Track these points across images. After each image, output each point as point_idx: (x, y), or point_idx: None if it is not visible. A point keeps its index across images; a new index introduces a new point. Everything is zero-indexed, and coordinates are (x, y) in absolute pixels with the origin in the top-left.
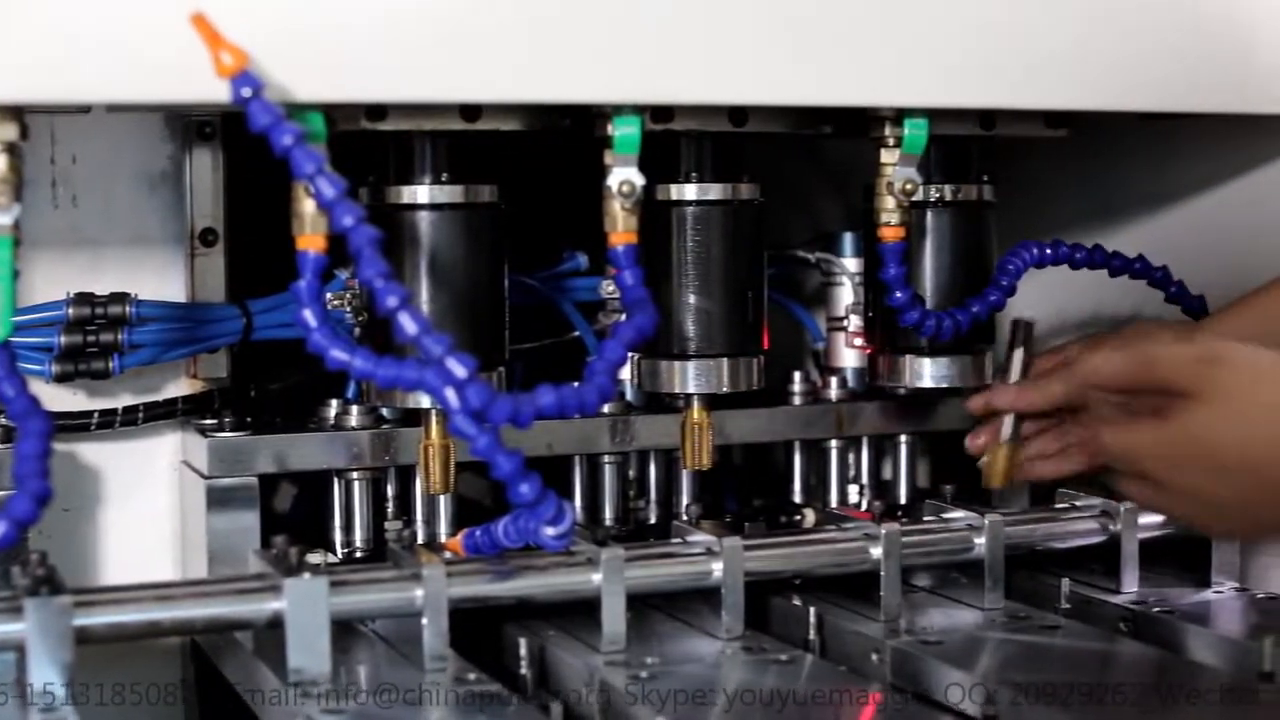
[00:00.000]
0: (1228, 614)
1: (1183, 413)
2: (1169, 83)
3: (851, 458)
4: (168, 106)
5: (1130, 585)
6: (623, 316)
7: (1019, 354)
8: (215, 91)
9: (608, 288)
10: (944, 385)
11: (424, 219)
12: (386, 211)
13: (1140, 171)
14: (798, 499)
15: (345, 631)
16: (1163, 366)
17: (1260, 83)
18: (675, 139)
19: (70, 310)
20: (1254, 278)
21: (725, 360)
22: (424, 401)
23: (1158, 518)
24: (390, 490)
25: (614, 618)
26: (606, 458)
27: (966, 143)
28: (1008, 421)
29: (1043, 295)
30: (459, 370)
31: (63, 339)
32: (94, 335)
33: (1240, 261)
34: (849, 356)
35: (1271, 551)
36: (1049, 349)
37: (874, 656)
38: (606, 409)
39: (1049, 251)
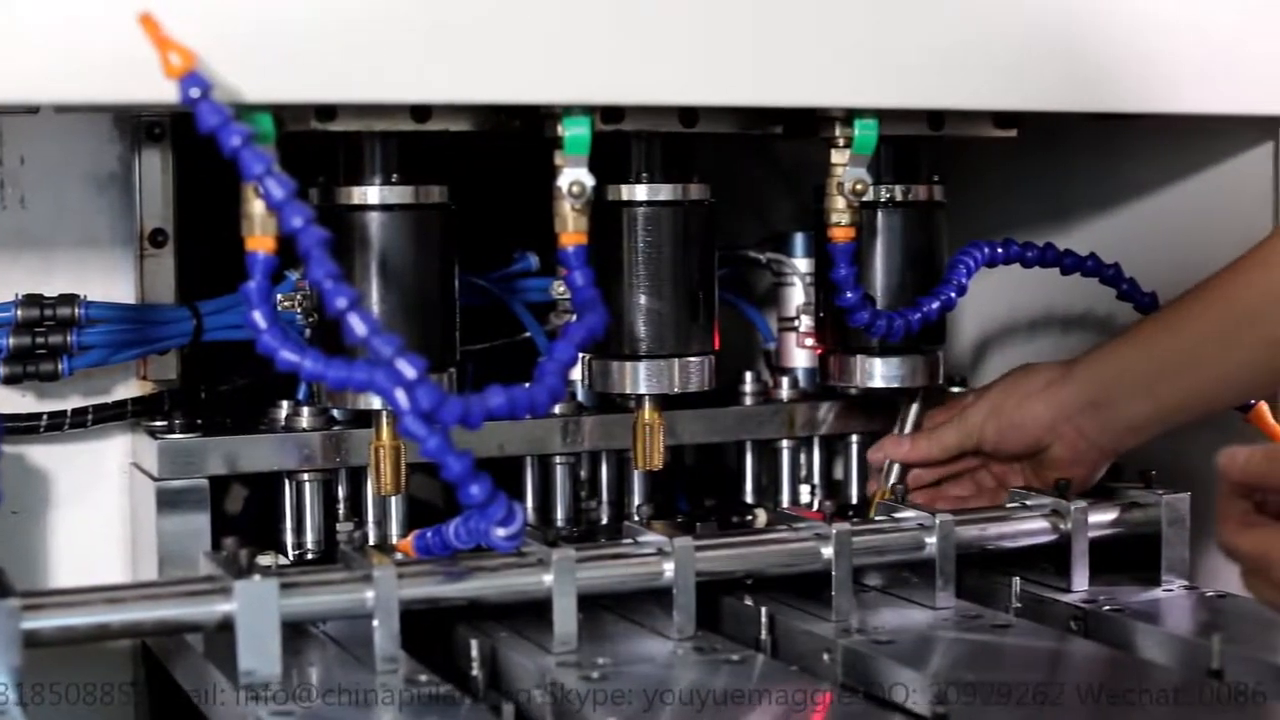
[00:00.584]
0: (1178, 612)
1: None
2: (1116, 84)
3: (803, 458)
4: (116, 107)
5: (1081, 584)
6: (574, 317)
7: (914, 408)
8: (163, 92)
9: (559, 288)
10: (895, 385)
11: (374, 220)
12: (336, 212)
13: (1090, 172)
14: (749, 499)
15: (296, 633)
16: None
17: (1207, 85)
18: (625, 140)
19: (19, 312)
20: (1198, 277)
21: (676, 361)
22: (375, 403)
23: (1108, 515)
24: (341, 491)
25: (565, 618)
26: (558, 458)
27: (916, 143)
28: (894, 470)
29: (994, 294)
30: (409, 371)
31: (11, 341)
32: (43, 337)
33: (1189, 260)
34: (800, 356)
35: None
36: (946, 402)
37: (826, 656)
38: (558, 410)
39: (1000, 250)
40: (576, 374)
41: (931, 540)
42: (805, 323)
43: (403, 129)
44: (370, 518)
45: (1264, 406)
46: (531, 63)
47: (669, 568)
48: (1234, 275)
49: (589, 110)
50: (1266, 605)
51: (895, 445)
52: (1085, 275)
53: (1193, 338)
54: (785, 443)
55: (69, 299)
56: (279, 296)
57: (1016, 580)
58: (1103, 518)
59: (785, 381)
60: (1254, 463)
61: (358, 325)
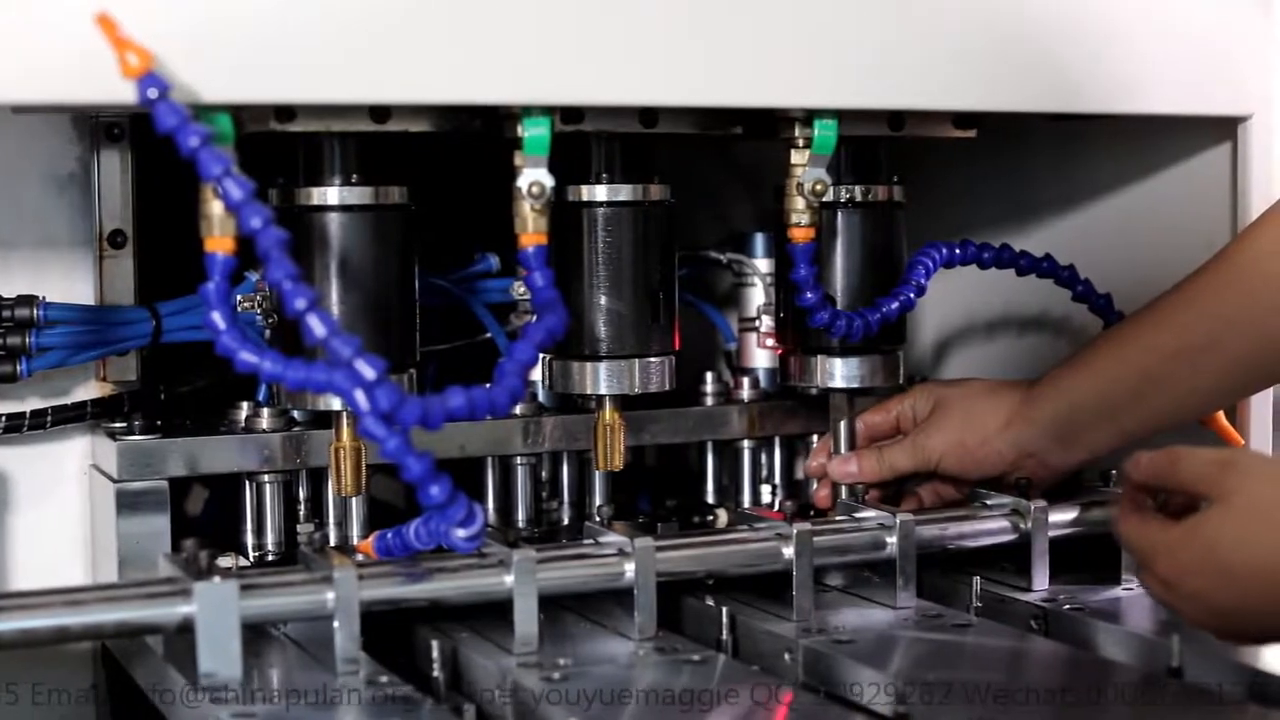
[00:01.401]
0: (1138, 611)
1: (1195, 516)
2: (1075, 84)
3: (764, 458)
4: (74, 107)
5: (1041, 583)
6: (534, 318)
7: (844, 425)
8: (121, 92)
9: (519, 289)
10: (855, 385)
11: (333, 220)
12: (296, 213)
13: (1049, 172)
14: (710, 499)
15: (257, 635)
16: (1183, 468)
17: (1166, 85)
18: (585, 140)
19: None
20: (1158, 276)
21: (637, 361)
22: (334, 404)
23: (1068, 515)
24: (302, 493)
25: (526, 619)
26: (519, 459)
27: (876, 143)
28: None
29: (953, 295)
30: (368, 372)
31: None
32: (1, 338)
33: (1149, 260)
34: (761, 357)
35: None
36: (876, 404)
37: (786, 656)
38: (519, 410)
39: (958, 251)
40: (537, 375)
41: (892, 540)
42: (766, 323)
43: (362, 129)
44: (331, 519)
45: (1220, 414)
46: (491, 63)
47: (630, 568)
48: (1186, 299)
49: (548, 111)
50: (1151, 597)
51: (842, 464)
52: (1041, 276)
53: (1150, 363)
54: (746, 443)
55: (27, 300)
56: (238, 297)
57: (977, 580)
58: (1063, 517)
59: (746, 382)
60: (1156, 464)
61: (317, 326)
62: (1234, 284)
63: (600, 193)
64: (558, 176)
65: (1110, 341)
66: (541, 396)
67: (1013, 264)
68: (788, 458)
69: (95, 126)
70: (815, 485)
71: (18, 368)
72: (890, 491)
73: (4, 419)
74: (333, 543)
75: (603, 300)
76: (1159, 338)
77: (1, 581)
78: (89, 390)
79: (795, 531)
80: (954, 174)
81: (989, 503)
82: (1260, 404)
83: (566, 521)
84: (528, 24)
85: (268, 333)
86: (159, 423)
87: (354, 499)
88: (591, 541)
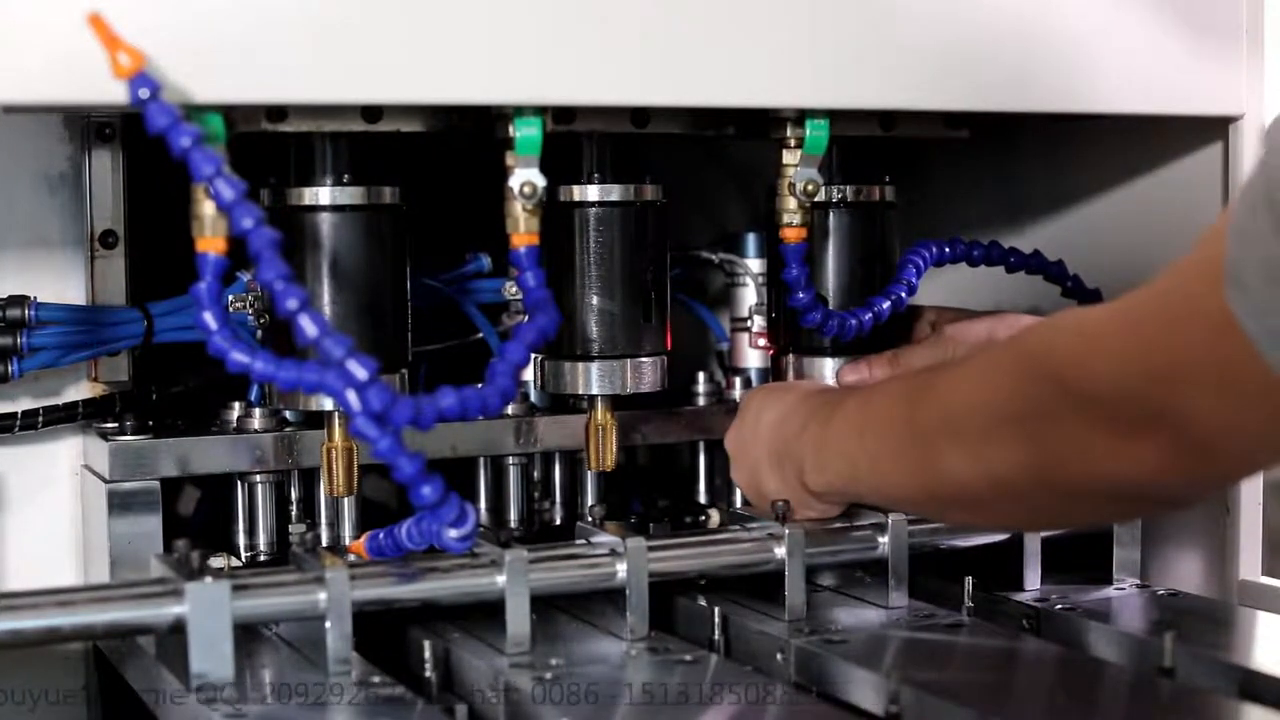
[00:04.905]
0: (1129, 610)
1: None
2: (1066, 84)
3: None
4: (65, 108)
5: (1033, 583)
6: (525, 318)
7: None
8: (113, 93)
9: (511, 289)
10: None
11: (325, 220)
12: (287, 213)
13: (1041, 172)
14: (702, 499)
15: (249, 635)
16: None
17: (1157, 85)
18: (577, 140)
19: None
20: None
21: (629, 361)
22: (326, 404)
23: None
24: (294, 493)
25: (518, 619)
26: (511, 459)
27: (868, 144)
28: None
29: (945, 294)
30: (360, 372)
31: None
32: None
33: (1140, 260)
34: (753, 357)
35: (1172, 548)
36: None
37: (778, 656)
38: (511, 410)
39: (948, 250)
40: (529, 375)
41: (884, 540)
42: (758, 323)
43: (354, 129)
44: (323, 519)
45: None
46: (483, 63)
47: (622, 568)
48: None
49: (540, 111)
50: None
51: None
52: (1030, 272)
53: None
54: None
55: (19, 300)
56: (230, 298)
57: (969, 579)
58: None
59: (738, 381)
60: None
61: (308, 326)
62: None
63: (592, 193)
64: (549, 176)
65: None
66: (533, 397)
67: (1002, 261)
68: None
69: (86, 127)
70: None
71: (9, 368)
72: None
73: None
74: (325, 543)
75: (594, 300)
76: None
77: None
78: (80, 390)
79: (787, 532)
80: (946, 174)
81: None
82: None
83: (558, 522)
84: (520, 24)
85: (259, 333)
86: (150, 423)
87: (346, 499)
88: (584, 542)
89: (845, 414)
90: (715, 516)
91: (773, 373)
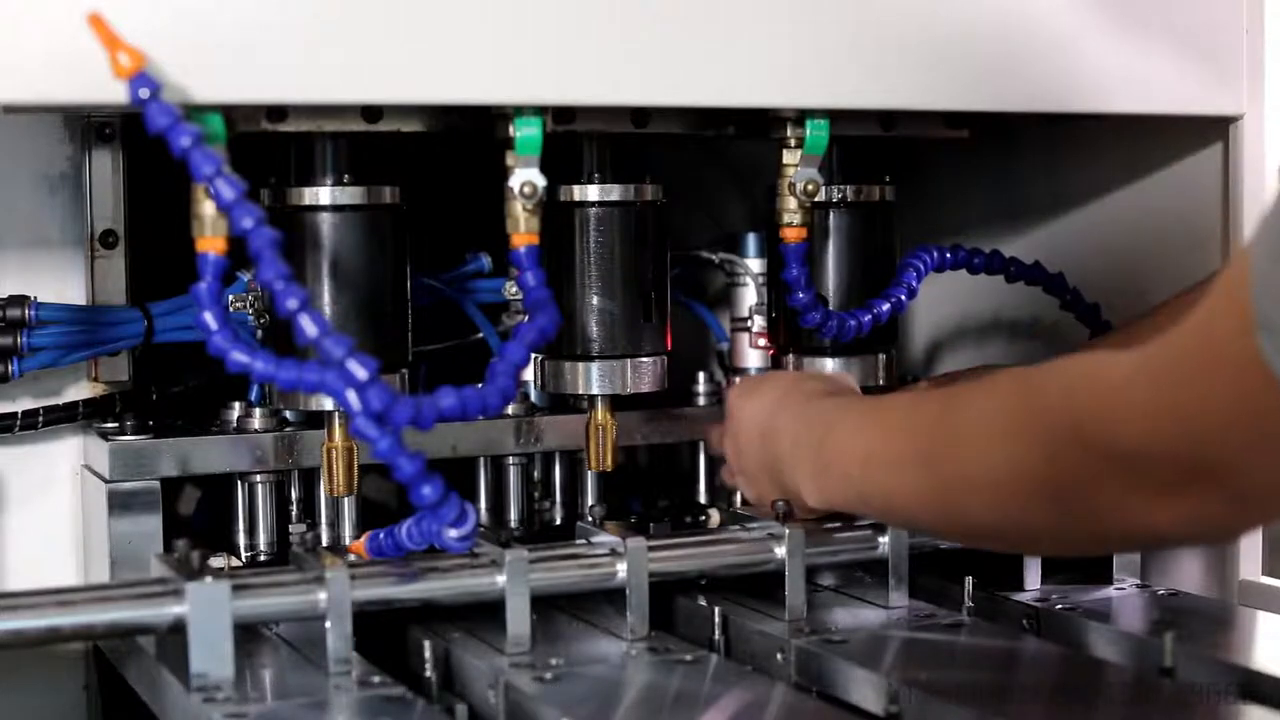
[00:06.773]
0: (1129, 610)
1: None
2: (1067, 84)
3: None
4: (65, 107)
5: (1033, 583)
6: (526, 318)
7: None
8: (113, 93)
9: (511, 289)
10: None
11: (325, 220)
12: (288, 213)
13: (1041, 172)
14: (703, 499)
15: (249, 635)
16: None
17: (1158, 85)
18: (577, 140)
19: None
20: (1150, 276)
21: (629, 361)
22: (326, 404)
23: None
24: (294, 493)
25: (518, 619)
26: (511, 459)
27: (867, 143)
28: None
29: (945, 298)
30: (360, 372)
31: None
32: None
33: (1140, 260)
34: (753, 357)
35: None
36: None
37: (779, 656)
38: (511, 410)
39: (949, 256)
40: (529, 375)
41: (884, 539)
42: (758, 323)
43: (354, 129)
44: (323, 519)
45: None
46: (483, 63)
47: (622, 568)
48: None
49: (540, 111)
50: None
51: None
52: (1029, 283)
53: None
54: None
55: (19, 300)
56: (230, 297)
57: (969, 579)
58: None
59: (738, 381)
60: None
61: (308, 326)
62: None
63: (592, 193)
64: (549, 176)
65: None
66: (534, 396)
67: (1002, 270)
68: None
69: (87, 126)
70: None
71: (9, 368)
72: None
73: None
74: (325, 543)
75: (595, 300)
76: None
77: None
78: (81, 390)
79: (787, 532)
80: (945, 174)
81: None
82: None
83: (558, 522)
84: (520, 24)
85: (259, 333)
86: (151, 423)
87: (346, 499)
88: (584, 542)
89: (840, 439)
90: (715, 516)
91: None
